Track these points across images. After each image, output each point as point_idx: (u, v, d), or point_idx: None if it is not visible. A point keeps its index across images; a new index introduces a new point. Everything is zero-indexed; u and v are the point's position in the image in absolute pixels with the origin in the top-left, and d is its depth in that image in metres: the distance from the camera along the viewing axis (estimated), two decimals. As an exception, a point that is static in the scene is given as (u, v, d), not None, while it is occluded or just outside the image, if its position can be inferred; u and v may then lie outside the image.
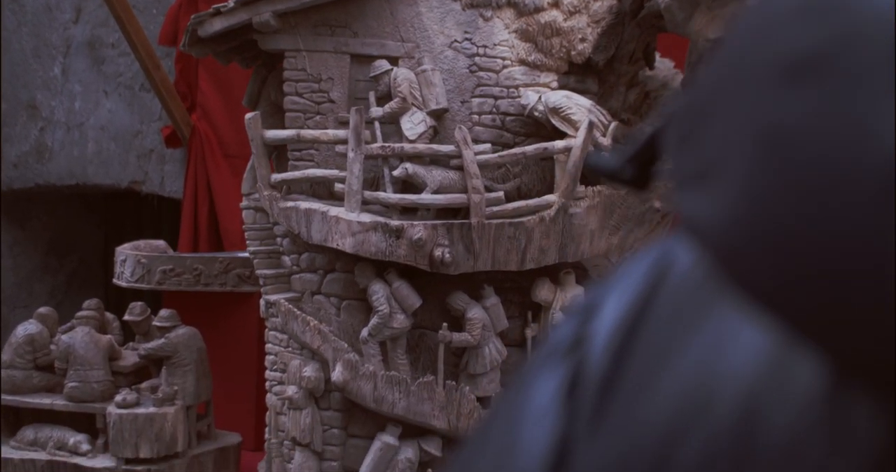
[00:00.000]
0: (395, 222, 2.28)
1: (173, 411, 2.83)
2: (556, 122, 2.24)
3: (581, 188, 2.25)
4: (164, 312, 3.02)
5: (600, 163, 0.46)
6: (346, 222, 2.34)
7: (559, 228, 2.23)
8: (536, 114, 2.29)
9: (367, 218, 2.31)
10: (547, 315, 2.37)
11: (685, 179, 0.37)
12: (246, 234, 2.77)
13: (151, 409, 2.82)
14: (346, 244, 2.35)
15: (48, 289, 5.54)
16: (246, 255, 3.53)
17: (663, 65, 2.61)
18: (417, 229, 2.25)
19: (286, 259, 2.62)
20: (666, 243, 0.43)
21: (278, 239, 2.61)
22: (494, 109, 2.34)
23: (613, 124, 2.27)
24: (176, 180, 4.79)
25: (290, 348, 2.59)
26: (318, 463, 2.50)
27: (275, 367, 2.63)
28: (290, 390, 2.49)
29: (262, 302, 2.69)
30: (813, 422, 0.34)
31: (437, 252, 2.23)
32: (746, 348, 0.37)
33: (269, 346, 2.66)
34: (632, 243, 2.27)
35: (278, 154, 2.65)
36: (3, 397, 3.02)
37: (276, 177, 2.55)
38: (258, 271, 2.72)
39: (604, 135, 2.25)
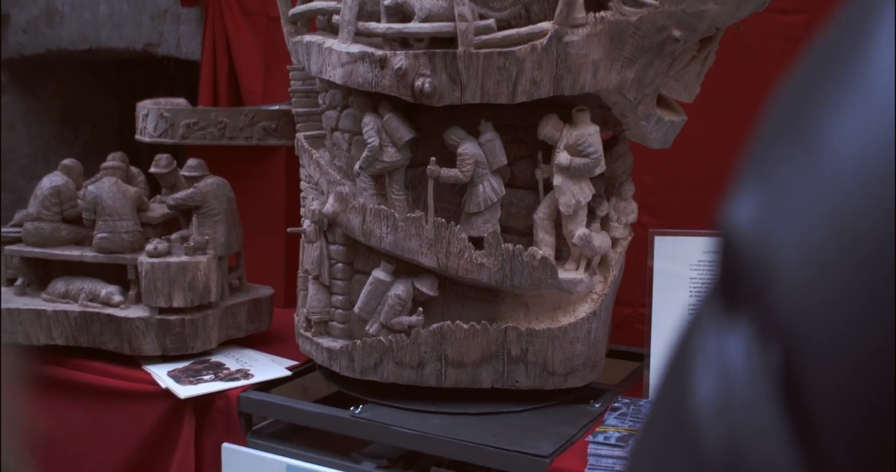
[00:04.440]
0: (379, 52, 2.18)
1: (205, 260, 2.78)
2: None
3: (581, 14, 2.03)
4: (191, 161, 2.94)
5: None
6: (337, 54, 2.27)
7: (552, 57, 2.05)
8: None
9: (356, 49, 2.23)
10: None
11: None
12: (290, 74, 2.73)
13: (183, 258, 2.77)
14: (336, 75, 2.29)
15: (64, 158, 5.47)
16: (272, 107, 3.45)
17: None
18: (399, 59, 2.14)
19: (319, 98, 2.58)
20: None
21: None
22: None
23: None
24: (192, 41, 4.64)
25: (311, 184, 2.60)
26: (328, 296, 2.53)
27: (302, 204, 2.65)
28: (305, 223, 2.54)
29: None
30: None
31: (418, 82, 2.11)
32: None
33: (301, 184, 2.65)
34: (652, 77, 2.09)
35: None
36: (32, 250, 2.97)
37: (291, 11, 2.52)
38: (294, 110, 2.71)
39: None
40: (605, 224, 2.40)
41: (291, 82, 2.77)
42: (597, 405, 2.43)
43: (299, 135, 2.70)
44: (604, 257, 2.37)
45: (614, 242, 2.41)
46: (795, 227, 0.34)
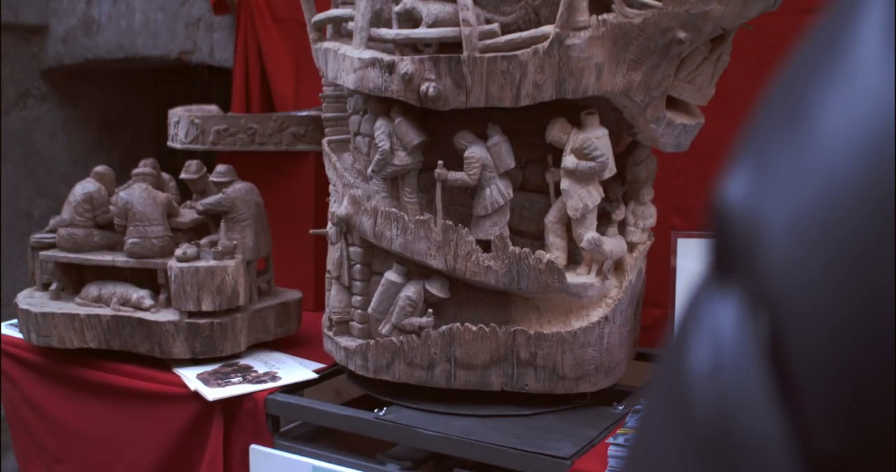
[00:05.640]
0: (388, 58, 2.21)
1: (234, 264, 2.82)
2: None
3: (584, 17, 2.03)
4: (220, 167, 2.98)
5: None
6: (350, 59, 2.31)
7: (555, 61, 2.05)
8: None
9: (367, 55, 2.27)
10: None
11: None
12: (322, 79, 2.78)
13: (212, 262, 2.81)
14: (349, 81, 2.33)
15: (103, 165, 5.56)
16: (301, 114, 3.49)
17: None
18: (405, 64, 2.17)
19: (346, 103, 2.63)
20: None
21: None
22: None
23: None
24: (225, 49, 4.71)
25: (334, 187, 2.65)
26: (349, 297, 2.57)
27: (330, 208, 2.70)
28: (329, 225, 2.59)
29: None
30: None
31: (423, 87, 2.14)
32: None
33: (330, 187, 2.68)
34: (659, 80, 2.06)
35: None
36: (66, 255, 3.03)
37: (314, 18, 2.56)
38: (324, 115, 2.76)
39: None
40: (622, 228, 2.39)
41: (323, 88, 2.81)
42: (620, 408, 2.42)
43: (325, 139, 2.74)
44: (620, 261, 2.36)
45: (631, 246, 2.40)
46: (784, 200, 0.36)
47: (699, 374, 0.38)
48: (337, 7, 2.56)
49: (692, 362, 0.39)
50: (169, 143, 3.53)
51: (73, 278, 3.10)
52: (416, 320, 2.38)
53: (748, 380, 0.36)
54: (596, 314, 2.32)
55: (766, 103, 0.41)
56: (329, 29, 2.59)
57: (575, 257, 2.33)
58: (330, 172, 2.63)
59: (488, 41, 2.12)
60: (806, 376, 0.34)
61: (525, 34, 2.10)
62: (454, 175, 2.27)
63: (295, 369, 2.82)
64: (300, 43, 4.00)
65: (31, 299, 3.03)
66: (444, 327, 2.34)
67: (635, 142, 2.42)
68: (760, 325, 0.36)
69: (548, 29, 2.08)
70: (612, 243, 2.28)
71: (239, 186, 2.96)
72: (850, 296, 0.33)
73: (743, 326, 0.37)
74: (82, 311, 2.91)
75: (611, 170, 2.21)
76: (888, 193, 0.33)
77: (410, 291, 2.38)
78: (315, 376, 2.77)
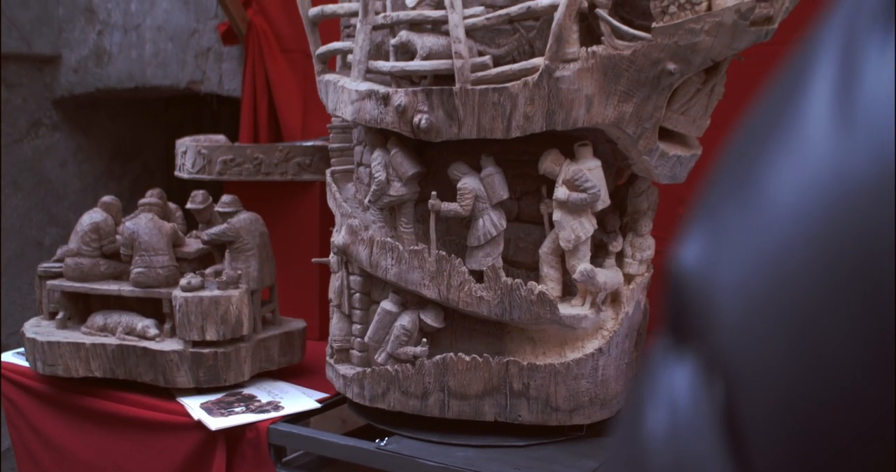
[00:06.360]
0: (383, 89, 2.24)
1: (238, 294, 2.84)
2: None
3: (573, 49, 2.04)
4: (225, 197, 3.01)
5: None
6: (348, 91, 2.35)
7: (544, 92, 2.06)
8: None
9: (364, 87, 2.30)
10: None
11: None
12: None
13: (216, 292, 2.83)
14: (347, 112, 2.36)
15: (112, 194, 5.60)
16: (307, 144, 3.52)
17: None
18: (399, 96, 2.20)
19: (352, 134, 2.68)
20: None
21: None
22: None
23: None
24: (234, 79, 4.76)
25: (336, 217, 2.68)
26: (349, 325, 2.60)
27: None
28: (332, 254, 2.62)
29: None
30: None
31: (416, 118, 2.17)
32: None
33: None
34: (651, 111, 2.07)
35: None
36: (73, 284, 3.06)
37: (317, 51, 2.59)
38: (330, 145, 2.78)
39: None
40: (619, 260, 2.40)
41: (332, 118, 2.84)
42: (619, 439, 2.41)
43: (329, 169, 2.77)
44: (616, 293, 2.36)
45: (629, 278, 2.40)
46: (735, 266, 0.37)
47: (655, 439, 0.39)
48: (345, 39, 2.59)
49: (648, 428, 0.40)
50: (176, 172, 3.56)
51: (80, 308, 3.13)
52: (411, 350, 2.40)
53: (703, 446, 0.37)
54: (591, 346, 2.31)
55: (719, 169, 0.41)
56: (339, 60, 2.62)
57: (571, 289, 2.33)
58: (331, 202, 2.66)
59: (480, 73, 2.15)
60: (759, 441, 0.35)
61: (515, 66, 2.13)
62: (447, 206, 2.29)
63: (298, 399, 2.83)
64: (308, 73, 4.04)
65: (37, 328, 3.06)
66: (437, 357, 2.36)
67: (635, 174, 2.43)
68: (716, 390, 0.37)
69: (538, 61, 2.10)
70: (607, 275, 2.28)
71: (244, 217, 2.99)
72: (797, 361, 0.34)
73: (698, 392, 0.37)
74: (88, 340, 2.93)
75: (604, 201, 2.22)
76: (832, 258, 0.33)
77: (405, 320, 2.40)
78: (318, 405, 2.78)
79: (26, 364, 3.07)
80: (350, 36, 2.58)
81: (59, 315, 3.08)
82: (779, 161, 0.37)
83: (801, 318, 0.34)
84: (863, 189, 0.33)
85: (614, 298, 2.37)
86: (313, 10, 2.54)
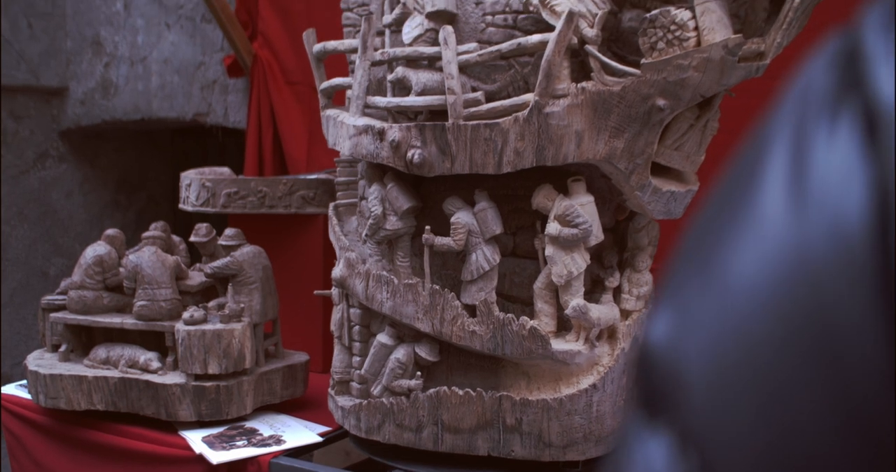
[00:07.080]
0: (378, 125, 2.27)
1: (240, 327, 2.84)
2: (545, 15, 2.08)
3: (563, 85, 2.06)
4: (228, 231, 3.02)
5: None
6: (346, 127, 2.38)
7: (534, 128, 2.08)
8: (531, 8, 2.13)
9: (361, 122, 2.33)
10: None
11: None
12: None
13: (219, 325, 2.84)
14: (345, 147, 2.40)
15: (118, 225, 5.63)
16: (310, 177, 3.53)
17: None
18: (393, 131, 2.23)
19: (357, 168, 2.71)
20: None
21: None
22: (507, 8, 2.21)
23: (601, 13, 2.05)
24: (239, 111, 4.79)
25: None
26: (349, 357, 2.61)
27: None
28: (333, 287, 2.63)
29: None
30: None
31: (409, 154, 2.20)
32: None
33: None
34: (643, 147, 2.08)
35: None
36: (76, 317, 3.07)
37: (321, 85, 2.61)
38: (337, 179, 2.81)
39: (591, 26, 2.05)
40: (617, 296, 2.39)
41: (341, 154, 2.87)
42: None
43: (333, 203, 2.78)
44: (612, 329, 2.36)
45: (625, 314, 2.39)
46: (700, 344, 0.39)
47: None
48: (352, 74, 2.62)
49: None
50: (181, 205, 3.58)
51: (83, 340, 3.14)
52: (406, 383, 2.41)
53: None
54: (585, 382, 2.30)
55: (683, 249, 0.43)
56: (347, 95, 2.65)
57: (566, 324, 2.32)
58: (331, 235, 2.69)
59: (472, 109, 2.17)
60: None
61: (507, 102, 2.15)
62: (440, 240, 2.31)
63: (300, 433, 2.82)
64: (313, 106, 4.06)
65: (40, 361, 3.06)
66: (431, 390, 2.36)
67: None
68: (691, 462, 0.38)
69: (528, 97, 2.12)
70: (601, 311, 2.26)
71: (247, 250, 3.00)
72: (766, 429, 0.35)
73: (674, 465, 0.38)
74: (90, 373, 2.94)
75: (596, 237, 2.22)
76: (792, 330, 0.35)
77: (400, 353, 2.41)
78: (319, 439, 2.78)
79: (28, 397, 3.07)
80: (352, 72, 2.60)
81: (62, 348, 3.09)
82: (738, 240, 0.39)
83: (767, 388, 0.36)
84: (818, 264, 0.35)
85: (611, 333, 2.36)
86: (317, 46, 2.56)
